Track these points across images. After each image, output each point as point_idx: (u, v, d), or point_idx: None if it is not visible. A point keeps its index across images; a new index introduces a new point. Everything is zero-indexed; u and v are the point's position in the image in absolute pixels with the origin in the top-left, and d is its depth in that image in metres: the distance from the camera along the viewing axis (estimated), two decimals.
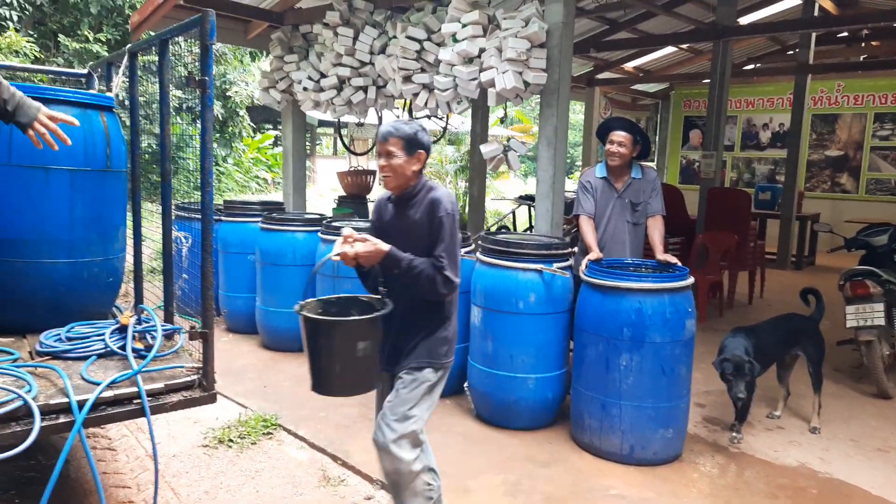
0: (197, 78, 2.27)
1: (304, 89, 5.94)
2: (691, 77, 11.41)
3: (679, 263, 3.52)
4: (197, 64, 2.35)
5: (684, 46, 10.31)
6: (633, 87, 12.22)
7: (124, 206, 3.05)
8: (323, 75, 5.82)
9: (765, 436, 3.70)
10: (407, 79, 5.12)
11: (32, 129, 2.09)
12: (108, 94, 3.06)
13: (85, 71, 3.85)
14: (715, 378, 3.74)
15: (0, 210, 2.62)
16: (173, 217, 3.07)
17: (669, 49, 10.50)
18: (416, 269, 2.25)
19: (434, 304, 2.36)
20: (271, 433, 3.57)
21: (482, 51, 4.51)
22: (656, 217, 3.89)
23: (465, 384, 3.90)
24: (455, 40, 4.65)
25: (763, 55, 11.21)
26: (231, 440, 3.44)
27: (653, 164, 13.09)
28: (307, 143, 22.19)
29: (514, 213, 9.84)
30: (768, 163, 11.68)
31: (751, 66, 11.44)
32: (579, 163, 14.28)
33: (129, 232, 3.22)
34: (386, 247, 2.26)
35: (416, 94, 5.14)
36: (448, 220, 2.28)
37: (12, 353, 2.44)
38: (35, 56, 9.68)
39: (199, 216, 2.47)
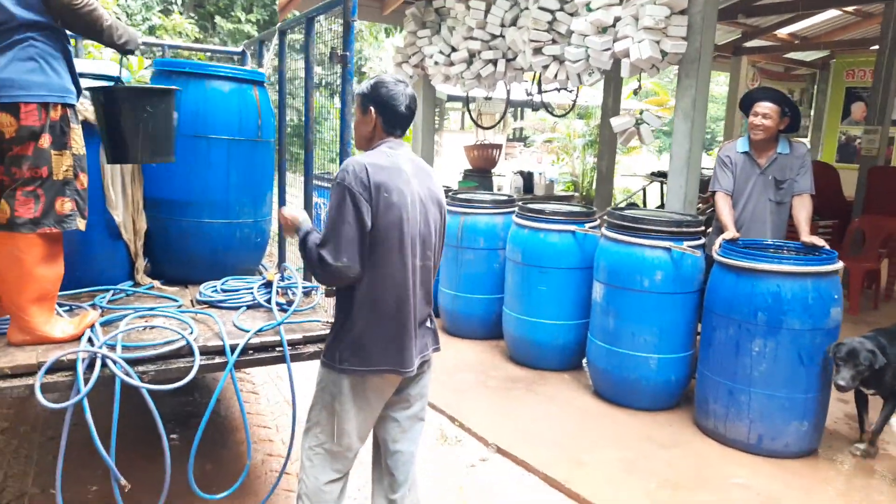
0: (339, 53, 2.41)
1: (436, 63, 6.06)
2: (856, 44, 10.23)
3: (826, 246, 3.25)
4: (336, 41, 2.50)
5: (850, 9, 9.25)
6: (786, 56, 11.20)
7: (272, 174, 3.33)
8: (454, 49, 5.90)
9: None
10: (537, 51, 5.07)
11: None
12: (260, 70, 3.33)
13: (239, 49, 4.19)
14: None
15: (171, 175, 2.97)
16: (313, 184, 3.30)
17: (832, 13, 9.47)
18: (305, 243, 1.95)
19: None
20: None
21: (617, 19, 4.36)
22: (803, 196, 3.60)
23: (584, 360, 3.88)
24: (589, 9, 4.53)
25: None
26: None
27: (804, 140, 12.00)
28: (435, 118, 22.63)
29: (644, 189, 9.47)
30: None
31: None
32: (720, 138, 13.38)
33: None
34: (291, 214, 2.05)
35: (545, 67, 5.07)
36: (336, 189, 1.87)
37: (177, 301, 2.78)
38: (195, 37, 10.64)
39: None
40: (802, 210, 3.54)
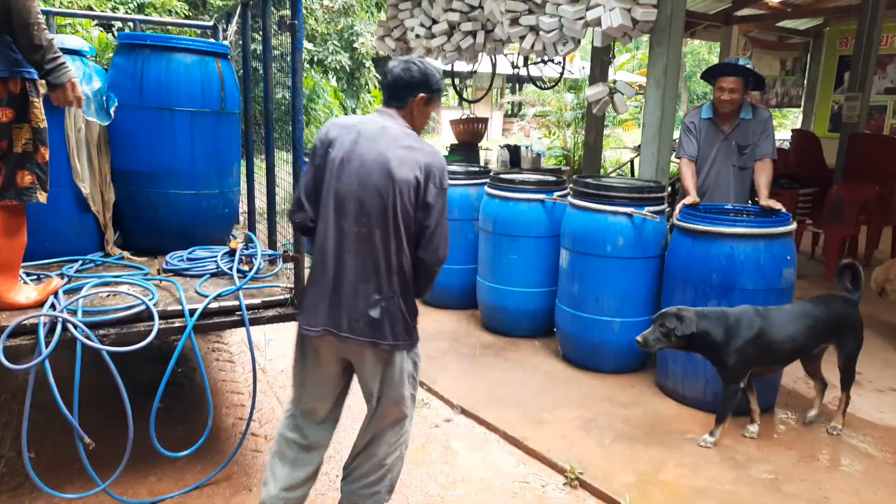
0: (288, 21, 2.45)
1: (417, 36, 6.06)
2: (850, 10, 10.12)
3: (783, 210, 3.30)
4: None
5: None
6: (778, 25, 11.09)
7: (238, 145, 3.39)
8: (434, 21, 5.90)
9: (874, 396, 3.44)
10: (514, 21, 5.07)
11: (54, 95, 2.28)
12: (223, 42, 3.37)
13: (211, 23, 4.22)
14: None
15: (135, 146, 3.04)
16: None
17: None
18: None
19: None
20: None
21: None
22: (765, 160, 3.64)
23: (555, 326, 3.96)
24: None
25: None
26: None
27: (796, 110, 11.90)
28: None
29: (632, 161, 9.48)
30: None
31: None
32: None
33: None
34: None
35: (522, 37, 5.08)
36: None
37: (143, 269, 2.86)
38: (186, 14, 10.58)
39: None
40: (763, 174, 3.59)
